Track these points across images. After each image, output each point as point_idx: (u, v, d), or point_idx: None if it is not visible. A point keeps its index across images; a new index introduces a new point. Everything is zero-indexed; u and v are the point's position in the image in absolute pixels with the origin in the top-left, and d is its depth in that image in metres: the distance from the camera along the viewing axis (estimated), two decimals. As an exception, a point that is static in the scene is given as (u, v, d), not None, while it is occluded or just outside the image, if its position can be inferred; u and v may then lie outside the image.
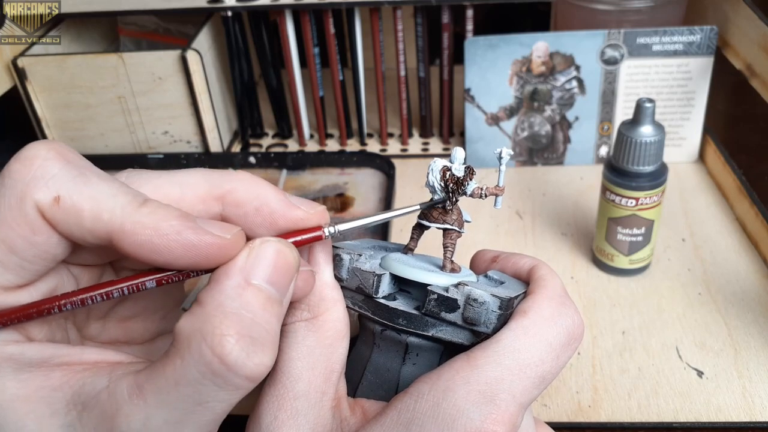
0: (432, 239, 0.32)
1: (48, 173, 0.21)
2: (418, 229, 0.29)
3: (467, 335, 0.26)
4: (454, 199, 0.27)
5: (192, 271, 0.23)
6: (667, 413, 0.40)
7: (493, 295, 0.25)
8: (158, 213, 0.22)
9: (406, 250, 0.29)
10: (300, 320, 0.26)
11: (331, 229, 0.25)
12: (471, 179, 0.27)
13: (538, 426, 0.27)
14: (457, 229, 0.28)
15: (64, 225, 0.22)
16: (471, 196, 0.27)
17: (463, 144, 0.64)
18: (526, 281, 0.28)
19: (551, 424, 0.30)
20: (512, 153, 0.28)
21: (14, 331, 0.22)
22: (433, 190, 0.27)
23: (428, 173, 0.27)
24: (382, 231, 0.53)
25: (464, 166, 0.27)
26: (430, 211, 0.28)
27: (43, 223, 0.21)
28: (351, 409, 0.26)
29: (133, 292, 0.23)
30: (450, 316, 0.26)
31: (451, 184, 0.27)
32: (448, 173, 0.27)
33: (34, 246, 0.22)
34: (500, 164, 0.27)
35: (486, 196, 0.27)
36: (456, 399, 0.23)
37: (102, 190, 0.22)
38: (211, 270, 0.23)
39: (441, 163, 0.27)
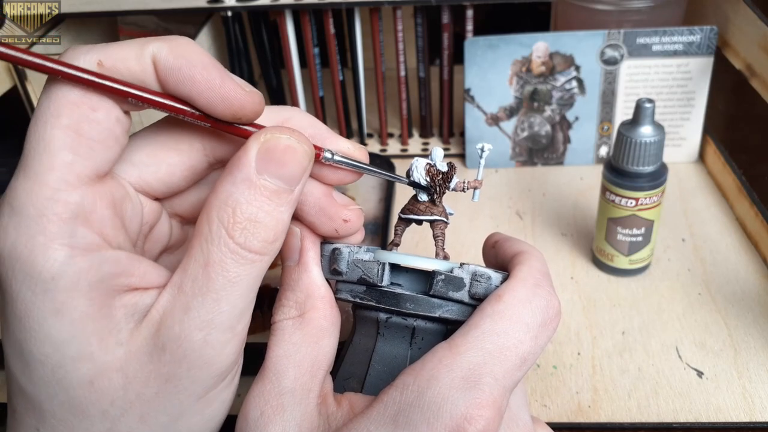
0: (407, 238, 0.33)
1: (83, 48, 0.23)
2: (402, 225, 0.31)
3: (470, 312, 0.27)
4: (442, 192, 0.29)
5: (212, 117, 0.24)
6: (666, 413, 0.40)
7: (495, 271, 0.27)
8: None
9: (392, 245, 0.30)
10: (288, 318, 0.27)
11: (328, 155, 0.27)
12: (454, 174, 0.29)
13: (537, 425, 0.28)
14: (445, 220, 0.30)
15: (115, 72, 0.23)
16: (454, 189, 0.30)
17: (462, 144, 0.64)
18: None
19: (551, 425, 0.30)
20: (492, 147, 0.30)
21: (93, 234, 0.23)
22: (419, 187, 0.30)
23: (412, 171, 0.29)
24: (382, 233, 0.53)
25: (444, 162, 0.30)
26: (416, 206, 0.30)
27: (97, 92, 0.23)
28: (338, 403, 0.26)
29: (170, 112, 0.24)
30: (457, 295, 0.27)
31: (439, 179, 0.29)
32: (434, 169, 0.29)
33: (95, 121, 0.23)
34: (480, 159, 0.30)
35: (467, 189, 0.30)
36: (440, 387, 0.23)
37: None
38: (229, 128, 0.25)
39: (423, 161, 0.29)
